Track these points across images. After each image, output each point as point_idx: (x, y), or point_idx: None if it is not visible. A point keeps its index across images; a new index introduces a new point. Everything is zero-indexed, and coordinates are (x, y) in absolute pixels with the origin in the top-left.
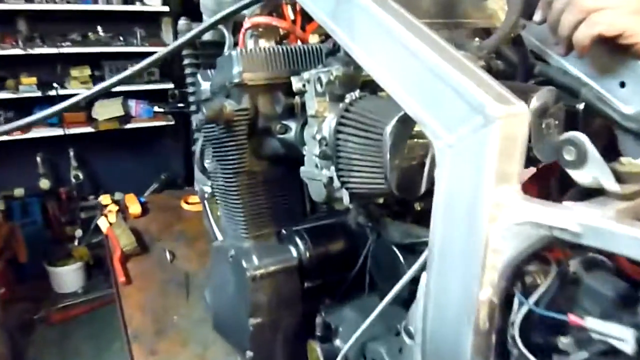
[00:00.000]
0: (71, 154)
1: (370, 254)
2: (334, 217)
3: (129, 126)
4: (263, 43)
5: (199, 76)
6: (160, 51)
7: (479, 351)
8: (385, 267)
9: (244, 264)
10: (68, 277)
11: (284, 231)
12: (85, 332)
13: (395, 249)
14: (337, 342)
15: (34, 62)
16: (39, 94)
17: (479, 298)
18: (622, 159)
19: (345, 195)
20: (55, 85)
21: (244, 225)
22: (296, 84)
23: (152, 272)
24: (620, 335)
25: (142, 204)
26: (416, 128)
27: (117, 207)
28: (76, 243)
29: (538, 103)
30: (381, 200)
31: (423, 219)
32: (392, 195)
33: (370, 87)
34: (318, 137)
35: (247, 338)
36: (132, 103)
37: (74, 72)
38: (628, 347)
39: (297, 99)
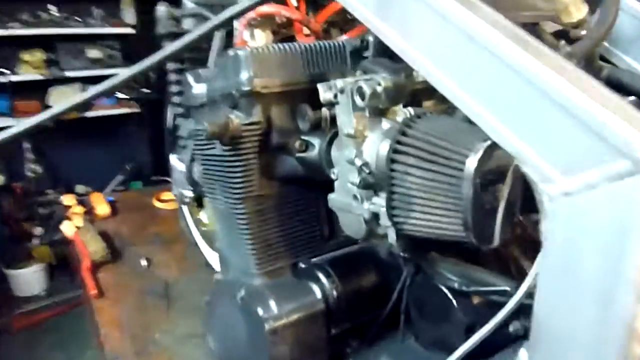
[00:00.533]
0: (26, 146)
1: (409, 290)
2: (354, 243)
3: (89, 114)
4: (259, 34)
5: (188, 76)
6: (164, 50)
7: None
8: (430, 310)
9: (261, 312)
10: (29, 279)
11: (302, 264)
12: (53, 340)
13: (446, 291)
14: None
15: None
16: None
17: None
18: None
19: (392, 233)
20: (4, 70)
21: (254, 258)
22: (325, 93)
23: (127, 282)
24: None
25: (111, 203)
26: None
27: (83, 209)
28: (36, 242)
29: None
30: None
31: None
32: (464, 241)
33: (416, 95)
34: (358, 162)
35: None
36: (92, 90)
37: (25, 56)
38: None
39: (324, 111)
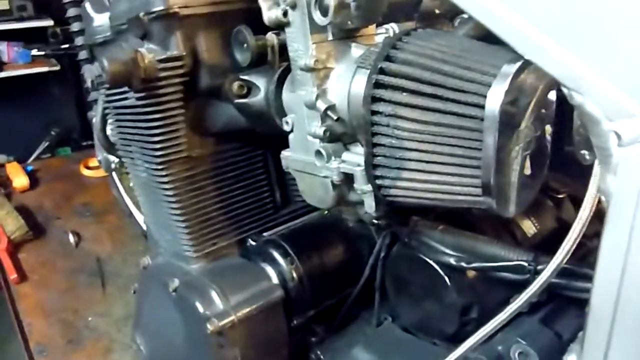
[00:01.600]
0: None
1: (384, 264)
2: (316, 210)
3: (2, 75)
4: None
5: (87, 5)
6: None
7: None
8: (412, 288)
9: (200, 308)
10: None
11: (251, 242)
12: None
13: (435, 266)
14: None
15: None
16: None
17: None
18: None
19: (369, 200)
20: None
21: (187, 238)
22: (270, 11)
23: (53, 261)
24: None
25: (29, 174)
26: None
27: None
28: None
29: None
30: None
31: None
32: (483, 211)
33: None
34: (321, 105)
35: None
36: (2, 47)
37: None
38: None
39: (271, 37)
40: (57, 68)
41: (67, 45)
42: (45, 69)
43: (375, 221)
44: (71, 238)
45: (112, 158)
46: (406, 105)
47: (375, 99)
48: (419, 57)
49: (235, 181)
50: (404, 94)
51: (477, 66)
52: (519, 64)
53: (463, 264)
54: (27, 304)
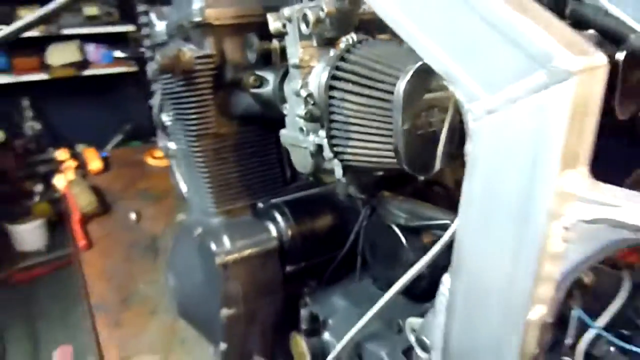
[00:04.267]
0: (25, 103)
1: (364, 232)
2: (316, 186)
3: (87, 73)
4: None
5: (151, 15)
6: None
7: None
8: (382, 250)
9: (213, 246)
10: (29, 234)
11: (260, 204)
12: (51, 293)
13: (396, 229)
14: (327, 335)
15: None
16: None
17: (528, 318)
18: None
19: (337, 168)
20: (1, 27)
21: (211, 198)
22: (274, 23)
23: (116, 234)
24: None
25: (104, 159)
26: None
27: (75, 163)
28: (36, 199)
29: None
30: (381, 172)
31: (428, 193)
32: (401, 171)
33: (367, 27)
34: (303, 93)
35: (220, 330)
36: (90, 48)
37: (23, 12)
38: None
39: (275, 42)
40: (135, 69)
41: (144, 49)
42: (124, 69)
43: (355, 195)
44: (133, 216)
45: (170, 145)
46: (350, 92)
47: (332, 88)
48: (362, 58)
49: (252, 156)
50: (350, 84)
51: (396, 65)
52: (420, 63)
53: (409, 223)
54: (90, 268)
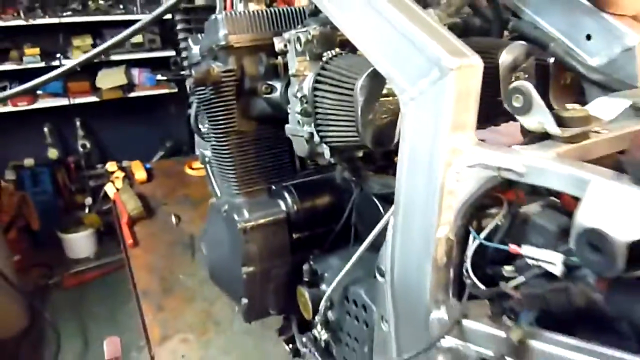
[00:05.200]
0: (77, 123)
1: (355, 206)
2: (321, 174)
3: (132, 94)
4: (253, 6)
5: (189, 40)
6: (145, 18)
7: (438, 284)
8: (367, 218)
9: (236, 217)
10: (80, 243)
11: (273, 187)
12: (99, 295)
13: (375, 199)
14: (323, 286)
15: (36, 33)
16: (42, 64)
17: (437, 236)
18: (567, 105)
19: (325, 150)
20: (58, 55)
21: (235, 182)
22: (278, 44)
23: (158, 234)
24: (550, 259)
25: (148, 170)
26: (387, 86)
27: (123, 174)
28: (86, 210)
29: (508, 57)
30: (361, 154)
31: None
32: (366, 148)
33: (350, 45)
34: (299, 95)
35: (241, 286)
36: (135, 72)
37: (76, 42)
38: (557, 270)
39: (280, 59)
40: (175, 90)
41: (184, 72)
42: (165, 91)
43: (348, 178)
44: (173, 219)
45: (207, 153)
46: (328, 91)
47: (315, 89)
48: (335, 67)
49: (267, 149)
50: (327, 85)
51: (357, 71)
52: (371, 69)
53: (382, 191)
54: (137, 262)
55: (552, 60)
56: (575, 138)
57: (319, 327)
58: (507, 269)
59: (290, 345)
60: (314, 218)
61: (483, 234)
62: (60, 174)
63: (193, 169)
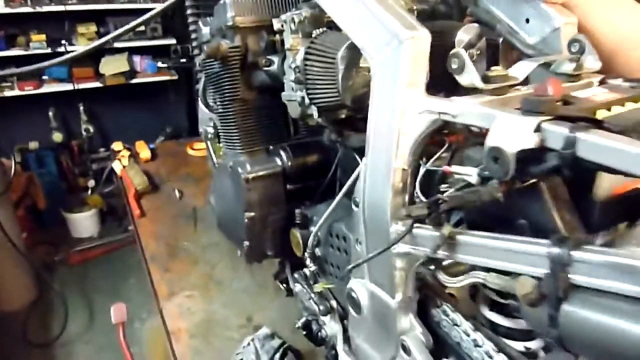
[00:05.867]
0: (81, 108)
1: (339, 163)
2: (312, 137)
3: (134, 81)
4: None
5: (200, 23)
6: (159, 6)
7: (396, 205)
8: (349, 170)
9: (240, 170)
10: (84, 222)
11: (271, 147)
12: (103, 272)
13: (355, 153)
14: (312, 228)
15: (43, 20)
16: (48, 50)
17: (394, 166)
18: (492, 67)
19: (314, 111)
20: (63, 42)
21: (239, 143)
22: (276, 24)
23: (163, 207)
24: (469, 172)
25: (152, 150)
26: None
27: (129, 152)
28: (89, 192)
29: (463, 36)
30: (343, 116)
31: None
32: (346, 107)
33: (334, 25)
34: (293, 65)
35: (244, 230)
36: (136, 59)
37: (81, 29)
38: (473, 179)
39: (277, 37)
40: (175, 78)
41: (184, 60)
42: (166, 78)
43: (335, 140)
44: (177, 193)
45: (209, 129)
46: (315, 61)
47: (305, 59)
48: (321, 41)
49: (266, 115)
50: (314, 56)
51: (339, 44)
52: (349, 42)
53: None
54: (144, 231)
55: (500, 40)
56: (496, 91)
57: (308, 261)
58: (443, 186)
59: (284, 285)
60: (305, 173)
61: (429, 163)
62: (64, 157)
63: (194, 149)
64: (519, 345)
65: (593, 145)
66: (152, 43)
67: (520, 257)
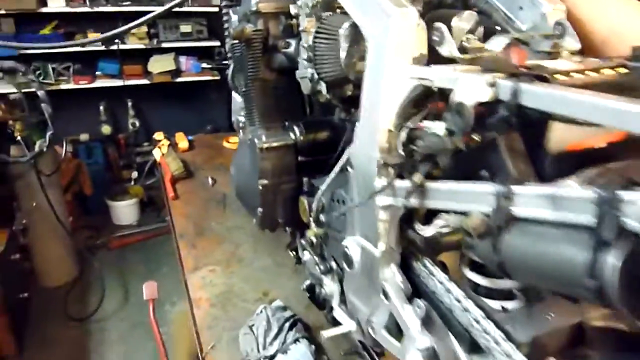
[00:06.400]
0: (129, 103)
1: (346, 140)
2: (324, 116)
3: (179, 80)
4: None
5: (230, 11)
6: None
7: (382, 164)
8: None
9: (256, 141)
10: (125, 210)
11: (287, 123)
12: (139, 257)
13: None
14: (318, 195)
15: (99, 19)
16: (102, 48)
17: (381, 127)
18: (470, 37)
19: (323, 87)
20: (116, 40)
21: (258, 119)
22: (293, 9)
23: (196, 192)
24: (437, 126)
25: (190, 141)
26: None
27: (168, 142)
28: (132, 183)
29: (457, 21)
30: (350, 93)
31: None
32: (350, 82)
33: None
34: (305, 45)
35: (258, 197)
36: (182, 59)
37: (133, 29)
38: (440, 131)
39: (294, 20)
40: (217, 78)
41: (226, 61)
42: (209, 78)
43: (344, 118)
44: (210, 180)
45: (240, 119)
46: (323, 39)
47: (315, 38)
48: (328, 22)
49: (284, 94)
50: (322, 34)
51: (342, 24)
52: (351, 21)
53: None
54: (176, 211)
55: (499, 28)
56: (471, 60)
57: (312, 225)
58: (419, 142)
59: (294, 253)
60: (316, 147)
61: (409, 122)
62: (111, 149)
63: (229, 142)
64: (496, 304)
65: (533, 93)
66: (198, 44)
67: (473, 197)
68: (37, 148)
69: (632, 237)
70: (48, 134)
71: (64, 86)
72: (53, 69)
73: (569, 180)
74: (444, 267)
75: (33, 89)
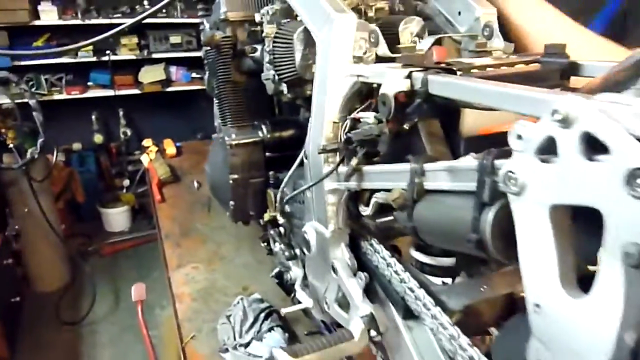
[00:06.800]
0: (121, 113)
1: None
2: (291, 116)
3: (170, 89)
4: None
5: (204, 20)
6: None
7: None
8: None
9: (226, 138)
10: (117, 217)
11: (255, 123)
12: (130, 263)
13: None
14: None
15: (91, 31)
16: (94, 59)
17: (327, 119)
18: (402, 40)
19: (284, 87)
20: (107, 51)
21: (230, 119)
22: (257, 17)
23: (182, 195)
24: (368, 116)
25: (177, 148)
26: None
27: (156, 148)
28: (124, 191)
29: (402, 27)
30: (309, 92)
31: None
32: (308, 81)
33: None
34: (267, 49)
35: (229, 191)
36: (172, 69)
37: (124, 40)
38: (370, 120)
39: (259, 27)
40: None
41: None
42: (199, 87)
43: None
44: (195, 184)
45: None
46: (281, 43)
47: (274, 42)
48: (285, 27)
49: (252, 95)
50: (279, 38)
51: (297, 29)
52: (304, 26)
53: None
54: (163, 214)
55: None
56: (401, 59)
57: (278, 215)
58: (355, 130)
59: (265, 244)
60: (283, 144)
61: (351, 115)
62: (103, 158)
63: None
64: (438, 281)
65: (439, 83)
66: (187, 55)
67: (395, 176)
68: (28, 155)
69: (503, 197)
70: (39, 141)
71: (56, 97)
72: (46, 79)
73: (468, 156)
74: (396, 251)
75: (25, 99)
